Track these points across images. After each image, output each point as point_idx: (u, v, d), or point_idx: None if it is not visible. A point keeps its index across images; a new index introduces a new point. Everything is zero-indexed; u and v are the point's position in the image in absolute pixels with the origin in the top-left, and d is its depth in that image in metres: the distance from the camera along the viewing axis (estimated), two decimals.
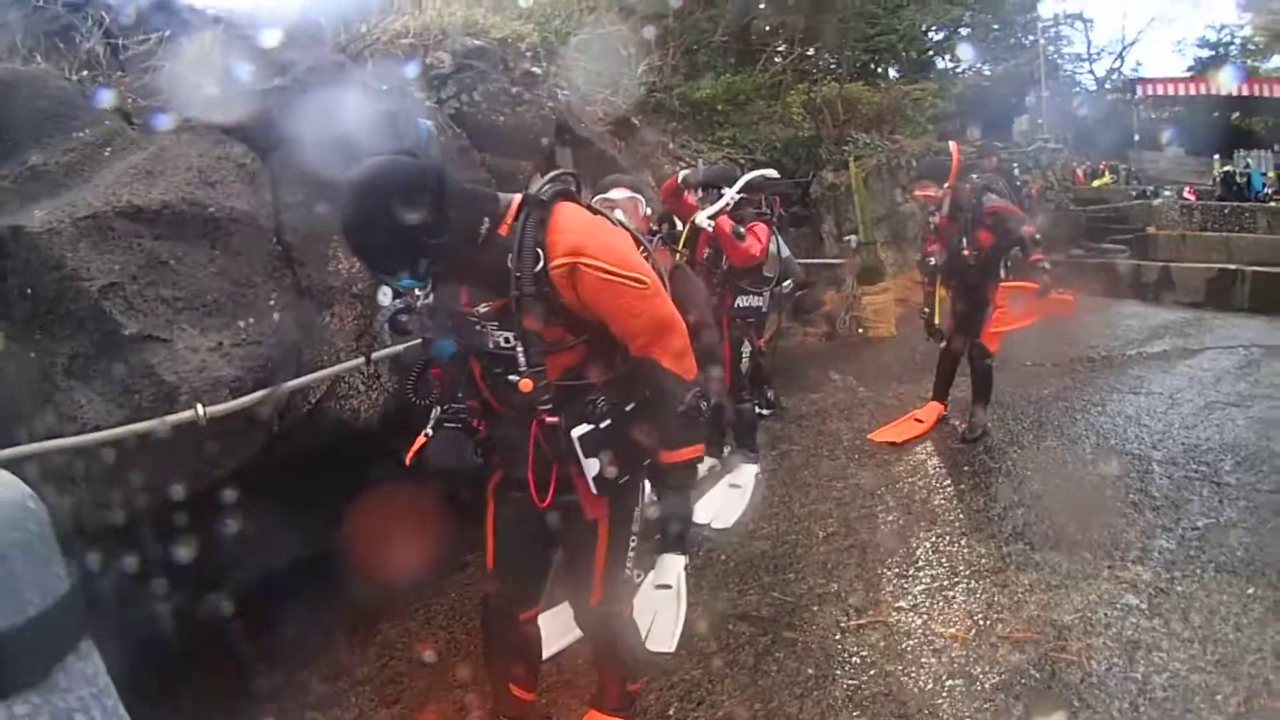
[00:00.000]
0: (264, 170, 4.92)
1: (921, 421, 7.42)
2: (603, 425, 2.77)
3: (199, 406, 3.86)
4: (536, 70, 7.67)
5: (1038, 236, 6.42)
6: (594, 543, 3.05)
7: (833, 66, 17.39)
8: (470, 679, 4.20)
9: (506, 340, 2.72)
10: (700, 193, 6.07)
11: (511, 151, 6.88)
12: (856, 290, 11.54)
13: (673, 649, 4.34)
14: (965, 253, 6.69)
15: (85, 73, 5.03)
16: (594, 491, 2.84)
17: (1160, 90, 28.03)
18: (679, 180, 5.91)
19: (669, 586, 3.64)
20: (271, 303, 4.57)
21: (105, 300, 3.96)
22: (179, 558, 3.83)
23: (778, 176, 6.56)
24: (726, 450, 6.68)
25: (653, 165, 10.55)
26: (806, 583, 4.99)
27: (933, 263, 6.98)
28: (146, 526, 3.83)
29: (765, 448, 7.01)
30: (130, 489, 3.79)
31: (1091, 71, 32.53)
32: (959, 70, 24.44)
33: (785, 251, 6.78)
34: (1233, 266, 12.75)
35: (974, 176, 7.16)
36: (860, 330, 11.27)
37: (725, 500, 6.17)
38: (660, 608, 4.51)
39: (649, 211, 4.89)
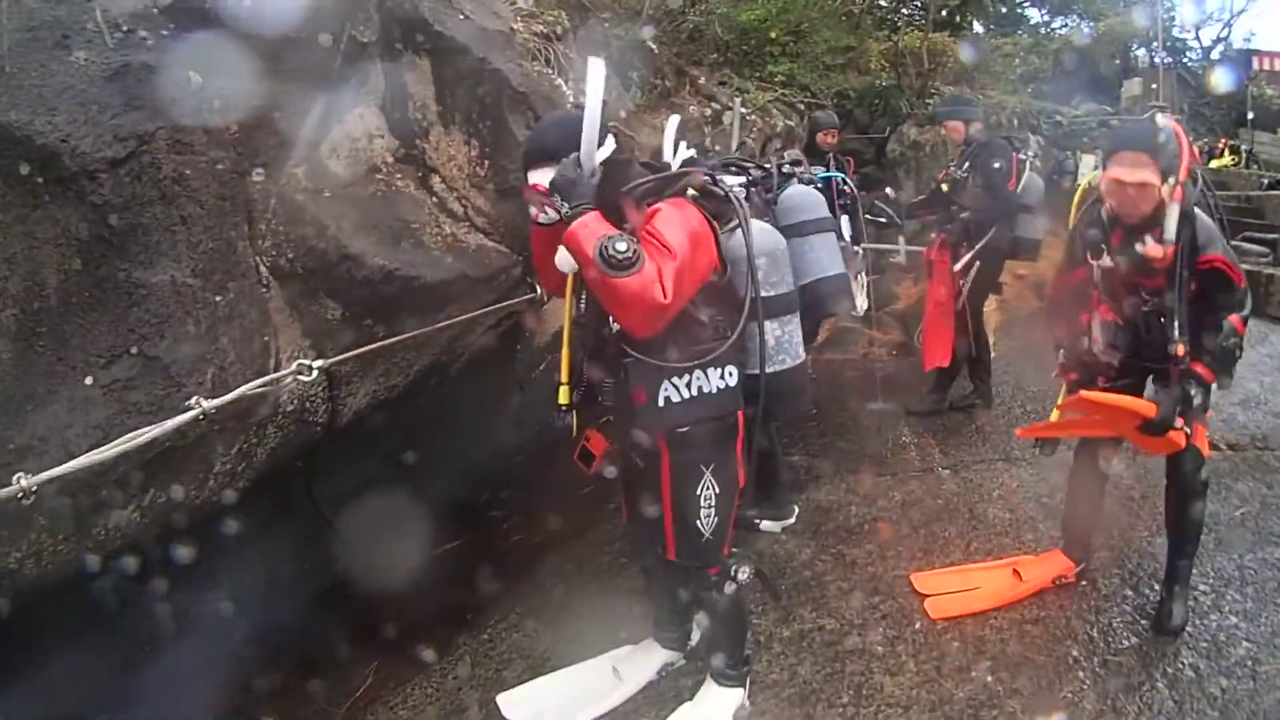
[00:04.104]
0: None
1: (1024, 580, 3.93)
2: None
3: None
4: None
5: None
6: None
7: (917, 18, 14.93)
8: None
9: None
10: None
11: (279, 60, 3.33)
12: None
13: None
14: (1180, 351, 3.22)
15: None
16: None
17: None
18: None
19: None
20: None
21: None
22: None
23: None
24: (694, 634, 3.57)
25: (674, 105, 7.30)
26: None
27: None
28: None
29: (764, 622, 3.76)
30: None
31: (1198, 39, 28.87)
32: (1055, 26, 21.62)
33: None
34: None
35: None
36: None
37: None
38: None
39: None
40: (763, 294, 2.75)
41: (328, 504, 4.11)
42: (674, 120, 3.16)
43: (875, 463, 5.35)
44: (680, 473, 2.79)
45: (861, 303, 5.17)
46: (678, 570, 3.06)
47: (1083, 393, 3.34)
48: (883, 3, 14.70)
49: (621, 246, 2.37)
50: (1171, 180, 3.14)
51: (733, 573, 3.06)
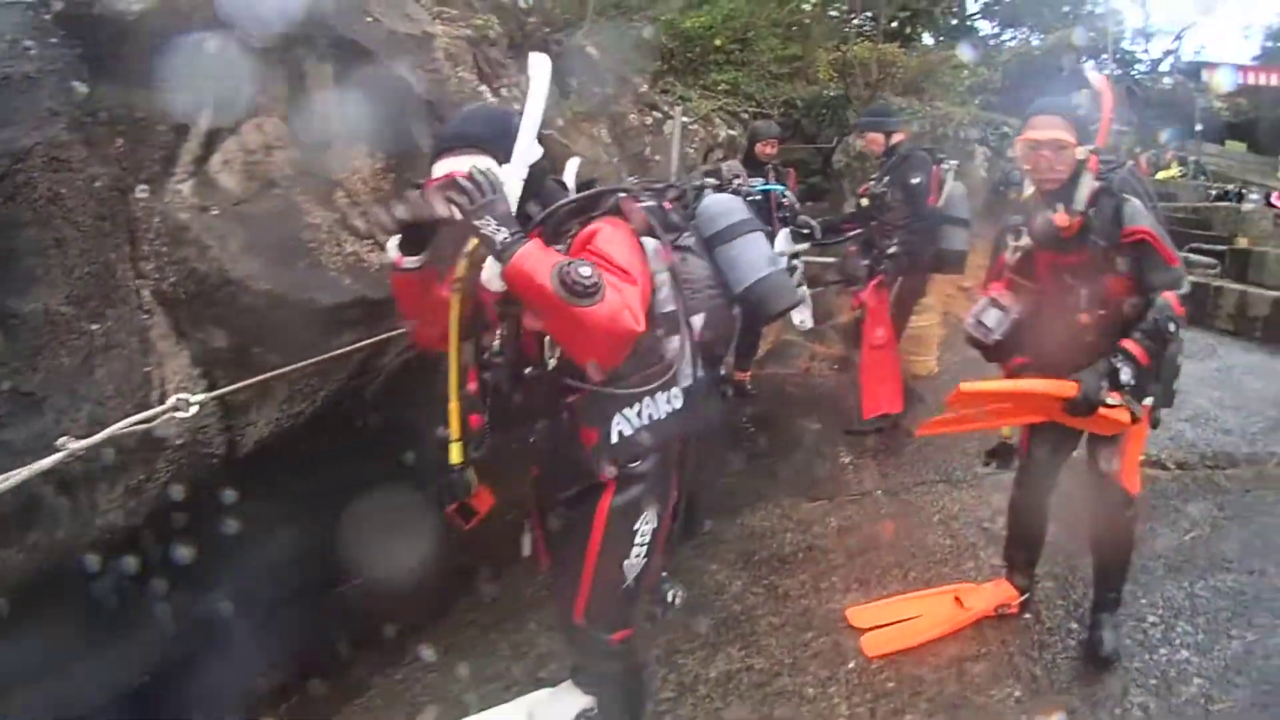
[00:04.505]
0: None
1: (966, 608, 3.79)
2: None
3: None
4: None
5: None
6: None
7: (867, 28, 14.92)
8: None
9: None
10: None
11: (167, 67, 3.11)
12: None
13: None
14: (1084, 318, 3.20)
15: None
16: None
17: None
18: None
19: None
20: None
21: None
22: None
23: None
24: None
25: (613, 115, 7.15)
26: None
27: None
28: None
29: (690, 662, 3.62)
30: None
31: (1147, 50, 29.28)
32: (1005, 38, 22.02)
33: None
34: None
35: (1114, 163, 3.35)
36: None
37: None
38: None
39: None
40: (671, 309, 2.57)
41: (234, 534, 3.90)
42: (574, 162, 2.95)
43: (812, 485, 5.23)
44: (620, 512, 2.53)
45: (805, 318, 5.03)
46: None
47: (962, 386, 3.16)
48: (833, 13, 14.58)
49: (585, 271, 2.10)
50: (1088, 147, 3.09)
51: (669, 597, 3.04)
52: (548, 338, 2.40)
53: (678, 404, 2.53)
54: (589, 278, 2.09)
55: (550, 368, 2.43)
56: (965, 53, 13.32)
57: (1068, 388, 3.01)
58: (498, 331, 2.50)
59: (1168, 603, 3.83)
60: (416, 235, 2.42)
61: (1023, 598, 3.77)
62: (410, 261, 2.45)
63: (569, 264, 2.10)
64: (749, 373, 6.75)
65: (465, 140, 2.38)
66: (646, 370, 2.44)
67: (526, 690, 3.37)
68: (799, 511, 4.86)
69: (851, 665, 3.52)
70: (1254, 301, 9.65)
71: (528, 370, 2.47)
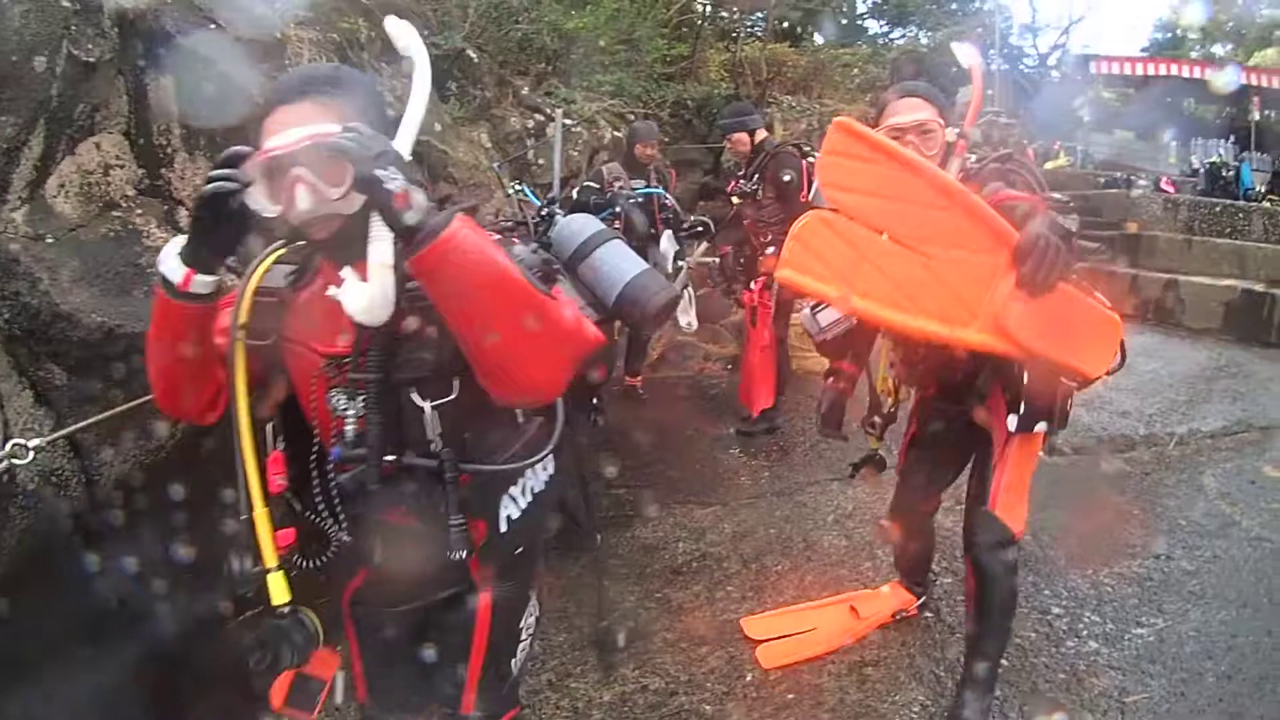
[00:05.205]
0: None
1: (862, 618, 3.67)
2: None
3: None
4: None
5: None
6: None
7: (757, 30, 15.17)
8: None
9: None
10: None
11: None
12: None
13: None
14: None
15: None
16: None
17: (1116, 69, 25.02)
18: None
19: None
20: None
21: None
22: None
23: None
24: None
25: (493, 119, 7.13)
26: None
27: None
28: None
29: (583, 686, 3.47)
30: None
31: (1035, 45, 30.04)
32: (894, 36, 22.21)
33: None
34: (1260, 288, 9.35)
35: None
36: None
37: None
38: None
39: None
40: None
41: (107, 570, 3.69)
42: None
43: (705, 491, 5.18)
44: (505, 609, 2.11)
45: (691, 320, 4.99)
46: None
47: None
48: (724, 14, 14.71)
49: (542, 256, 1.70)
50: (954, 129, 2.88)
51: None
52: (428, 409, 1.74)
53: (551, 469, 2.12)
54: (548, 263, 1.76)
55: (433, 449, 1.76)
56: (965, 53, 13.68)
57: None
58: (342, 409, 1.75)
59: (1072, 593, 3.81)
60: (213, 241, 1.62)
61: (920, 601, 3.72)
62: (203, 283, 1.63)
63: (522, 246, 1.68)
64: (640, 377, 6.72)
65: (332, 87, 1.66)
66: (529, 436, 1.94)
67: None
68: (692, 519, 4.80)
69: (749, 679, 3.44)
70: (1144, 284, 9.97)
71: (391, 459, 1.75)
